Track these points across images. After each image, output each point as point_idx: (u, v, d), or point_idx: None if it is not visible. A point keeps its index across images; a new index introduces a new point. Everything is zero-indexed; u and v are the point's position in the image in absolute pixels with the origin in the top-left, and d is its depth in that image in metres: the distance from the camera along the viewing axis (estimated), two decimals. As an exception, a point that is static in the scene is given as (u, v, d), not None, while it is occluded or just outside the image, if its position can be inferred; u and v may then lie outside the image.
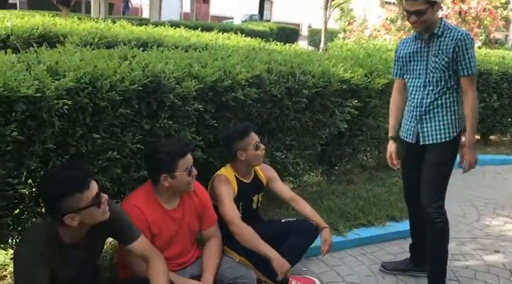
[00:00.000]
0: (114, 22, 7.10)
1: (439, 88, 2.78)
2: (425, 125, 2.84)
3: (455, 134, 2.80)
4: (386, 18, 13.99)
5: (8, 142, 1.98)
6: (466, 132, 2.78)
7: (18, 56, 2.47)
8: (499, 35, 17.13)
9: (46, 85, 2.07)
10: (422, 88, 2.83)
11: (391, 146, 3.05)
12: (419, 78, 2.85)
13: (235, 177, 2.85)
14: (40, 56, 2.51)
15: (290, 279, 2.80)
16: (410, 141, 2.90)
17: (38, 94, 2.02)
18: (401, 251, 3.45)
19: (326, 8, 15.05)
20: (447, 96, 2.79)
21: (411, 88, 2.90)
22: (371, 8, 18.59)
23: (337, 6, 16.22)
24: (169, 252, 2.46)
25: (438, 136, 2.81)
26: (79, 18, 7.81)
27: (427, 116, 2.82)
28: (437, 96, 2.79)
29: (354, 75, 3.98)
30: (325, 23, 15.20)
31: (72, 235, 1.97)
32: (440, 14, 2.92)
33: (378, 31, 13.61)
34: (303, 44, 23.22)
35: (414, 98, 2.87)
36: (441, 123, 2.80)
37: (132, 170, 2.65)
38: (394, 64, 3.02)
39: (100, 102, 2.34)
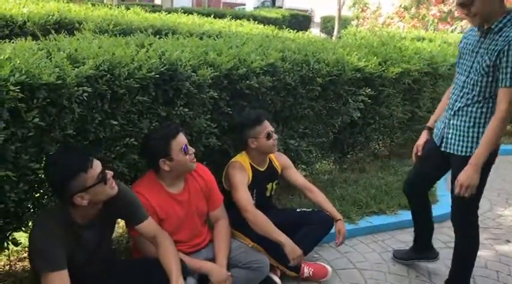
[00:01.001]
0: (128, 8, 7.13)
1: (473, 93, 2.46)
2: (450, 131, 2.59)
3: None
4: (400, 6, 13.83)
5: (30, 128, 2.03)
6: (476, 150, 2.39)
7: (38, 43, 2.51)
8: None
9: (66, 73, 2.11)
10: (460, 88, 2.54)
11: (424, 136, 2.87)
12: (462, 74, 2.55)
13: (250, 164, 2.88)
14: (59, 43, 2.55)
15: (302, 265, 2.85)
16: (436, 141, 2.73)
17: (59, 82, 2.06)
18: (412, 239, 3.47)
19: (339, -5, 14.92)
20: (481, 105, 2.45)
21: (454, 84, 2.64)
22: (385, -5, 18.36)
23: (351, -7, 16.03)
24: (181, 235, 2.52)
25: (460, 148, 2.54)
26: (93, 4, 7.84)
27: (454, 122, 2.57)
28: (469, 102, 2.48)
29: (368, 64, 3.98)
30: (339, 10, 15.04)
31: (84, 215, 2.03)
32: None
33: (392, 19, 13.47)
34: (315, 31, 23.07)
35: (452, 97, 2.62)
36: (465, 134, 2.51)
37: (148, 156, 2.69)
38: (457, 56, 2.70)
39: (118, 90, 2.38)
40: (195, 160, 2.52)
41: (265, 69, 3.17)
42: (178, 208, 2.51)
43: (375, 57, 4.14)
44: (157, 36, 3.57)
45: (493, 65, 2.34)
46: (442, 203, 4.01)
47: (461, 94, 2.53)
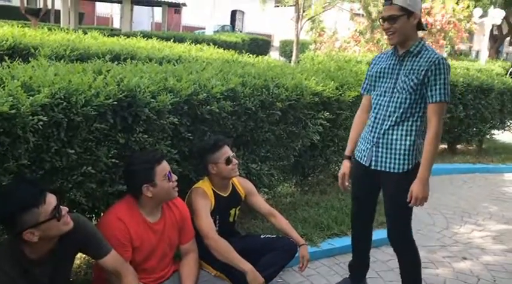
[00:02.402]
0: (85, 33, 7.04)
1: (401, 111, 2.59)
2: (380, 149, 2.67)
3: (410, 167, 2.61)
4: (356, 30, 14.31)
5: (-19, 159, 1.96)
6: (421, 165, 2.54)
7: (-9, 70, 2.45)
8: (463, 47, 17.70)
9: (21, 102, 2.06)
10: (385, 108, 2.65)
11: (346, 166, 2.89)
12: (384, 96, 2.66)
13: (213, 190, 2.87)
14: (13, 71, 2.49)
15: (266, 291, 2.83)
16: (363, 163, 2.76)
17: (13, 111, 2.01)
18: (373, 260, 3.52)
19: (297, 21, 15.25)
20: (409, 123, 2.60)
21: (374, 105, 2.73)
22: (341, 20, 18.95)
23: (309, 19, 16.46)
24: (148, 265, 2.47)
25: (392, 165, 2.64)
26: (49, 29, 7.69)
27: (384, 141, 2.65)
28: (398, 120, 2.60)
29: (325, 88, 4.07)
30: (297, 35, 15.40)
31: (36, 251, 1.95)
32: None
33: (348, 43, 13.89)
34: (274, 55, 23.47)
35: (376, 117, 2.70)
36: (397, 151, 2.62)
37: (107, 185, 2.64)
38: (365, 78, 2.87)
39: (75, 117, 2.33)
40: (177, 188, 2.50)
41: (225, 94, 3.19)
42: (153, 237, 2.47)
43: (332, 82, 4.24)
44: (116, 62, 3.54)
45: (421, 83, 2.52)
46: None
47: (388, 113, 2.64)
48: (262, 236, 3.01)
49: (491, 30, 17.55)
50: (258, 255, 2.76)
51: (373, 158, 2.70)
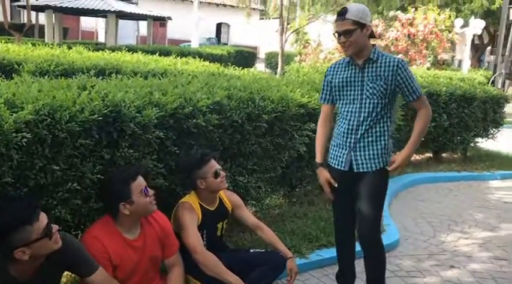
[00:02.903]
0: (70, 47, 7.03)
1: (374, 115, 2.74)
2: (359, 153, 2.79)
3: (383, 165, 2.79)
4: (340, 41, 14.41)
5: (-36, 177, 1.94)
6: (411, 142, 2.78)
7: (-27, 88, 2.43)
8: (445, 56, 17.97)
9: (4, 119, 2.05)
10: (357, 114, 2.77)
11: (324, 172, 2.93)
12: (353, 103, 2.79)
13: (200, 204, 2.85)
14: (-4, 88, 2.47)
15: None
16: (342, 169, 2.84)
17: (-4, 128, 1.99)
18: (362, 270, 3.52)
19: (282, 33, 15.38)
20: (381, 124, 2.77)
21: (345, 113, 2.83)
22: (325, 32, 19.13)
23: (294, 31, 16.62)
24: (132, 282, 2.44)
25: (372, 165, 2.78)
26: (33, 44, 7.68)
27: (361, 144, 2.78)
28: (372, 123, 2.75)
29: (310, 100, 4.10)
30: (282, 48, 15.49)
31: (23, 270, 1.92)
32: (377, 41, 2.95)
33: (332, 54, 14.02)
34: (260, 67, 23.59)
35: (348, 124, 2.80)
36: (375, 152, 2.78)
37: (92, 201, 2.62)
38: (323, 89, 2.96)
39: (59, 134, 2.32)
40: (154, 202, 2.48)
41: (211, 107, 3.20)
42: (133, 254, 2.44)
43: (317, 93, 4.27)
44: (101, 76, 3.53)
45: (390, 87, 2.71)
46: (388, 232, 4.12)
47: (362, 118, 2.77)
48: (251, 251, 2.99)
49: (473, 40, 17.89)
50: (247, 269, 2.75)
51: (354, 162, 2.81)
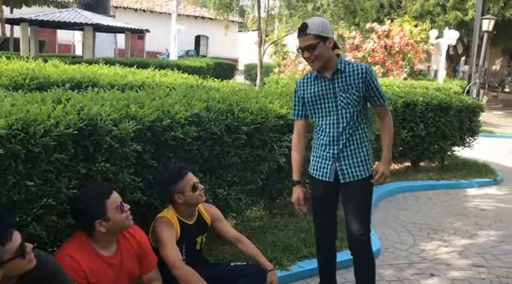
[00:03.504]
0: (46, 61, 6.93)
1: (352, 123, 2.78)
2: (343, 162, 2.81)
3: (370, 172, 2.85)
4: (318, 53, 14.56)
5: None
6: (385, 149, 2.88)
7: None
8: (421, 67, 18.30)
9: (-25, 134, 1.99)
10: (335, 126, 2.79)
11: (299, 190, 2.97)
12: (330, 115, 2.81)
13: (178, 218, 2.81)
14: (-33, 102, 2.41)
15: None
16: (327, 180, 2.85)
17: (-34, 144, 1.93)
18: (343, 281, 3.53)
19: (260, 45, 15.46)
20: (360, 131, 2.82)
21: (323, 126, 2.84)
22: (303, 43, 19.25)
23: (272, 43, 16.73)
24: (109, 300, 2.37)
25: (358, 173, 2.81)
26: (7, 57, 7.54)
27: (344, 153, 2.80)
28: (351, 132, 2.79)
29: (289, 111, 4.09)
30: (260, 60, 15.58)
31: None
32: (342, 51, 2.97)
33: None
34: (240, 79, 23.64)
35: (328, 136, 2.82)
36: (359, 159, 2.81)
37: (68, 216, 2.56)
38: (294, 105, 2.96)
39: (33, 148, 2.27)
40: (131, 217, 2.43)
41: (190, 119, 3.17)
42: (110, 271, 2.38)
43: (297, 104, 4.28)
44: (77, 90, 3.48)
45: (362, 94, 2.76)
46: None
47: (341, 129, 2.80)
48: (231, 264, 2.96)
49: (448, 51, 18.25)
50: (228, 283, 2.71)
51: (339, 172, 2.82)
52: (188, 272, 2.57)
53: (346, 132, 2.79)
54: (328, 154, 2.84)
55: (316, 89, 2.84)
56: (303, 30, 2.68)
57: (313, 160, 2.96)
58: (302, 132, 3.00)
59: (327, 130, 2.83)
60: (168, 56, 29.41)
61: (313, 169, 2.94)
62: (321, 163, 2.88)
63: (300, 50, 2.75)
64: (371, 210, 2.96)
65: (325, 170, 2.86)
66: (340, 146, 2.81)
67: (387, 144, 2.89)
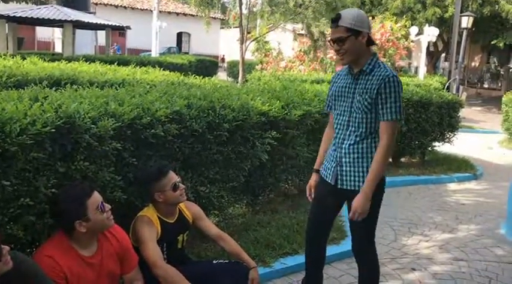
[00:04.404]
0: (24, 58, 6.80)
1: (360, 130, 2.60)
2: (344, 169, 2.67)
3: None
4: (300, 50, 14.63)
5: None
6: (366, 181, 2.56)
7: None
8: (402, 63, 18.47)
9: None
10: (345, 128, 2.67)
11: (313, 179, 2.95)
12: (343, 115, 2.68)
13: (159, 217, 2.78)
14: None
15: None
16: (329, 181, 2.76)
17: None
18: (326, 276, 3.53)
19: (242, 42, 15.42)
20: (369, 141, 2.61)
21: (335, 125, 2.75)
22: (285, 41, 19.33)
23: (254, 40, 16.71)
24: (90, 300, 2.34)
25: (356, 183, 2.64)
26: (-16, 55, 7.38)
27: (347, 159, 2.66)
28: (358, 139, 2.62)
29: (271, 108, 4.10)
30: (242, 57, 15.53)
31: None
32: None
33: (293, 62, 14.17)
34: (223, 76, 23.58)
35: (337, 137, 2.73)
36: (360, 169, 2.63)
37: (47, 216, 2.50)
38: (327, 96, 2.89)
39: (9, 147, 2.21)
40: (111, 217, 2.40)
41: (170, 117, 3.14)
42: (90, 271, 2.34)
43: (278, 101, 4.29)
44: (55, 87, 3.42)
45: (374, 102, 2.54)
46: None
47: (348, 132, 2.65)
48: (214, 262, 2.94)
49: (428, 47, 18.46)
50: (210, 281, 2.70)
51: (339, 177, 2.70)
52: (169, 271, 2.54)
53: (352, 137, 2.63)
54: (334, 156, 2.74)
55: (341, 85, 2.71)
56: (335, 21, 2.53)
57: (325, 156, 2.86)
58: (332, 124, 2.86)
59: (337, 130, 2.73)
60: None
61: (322, 167, 2.87)
62: (328, 163, 2.79)
63: (331, 41, 2.60)
64: (375, 217, 2.75)
65: (329, 171, 2.76)
66: (343, 151, 2.67)
67: (372, 172, 2.55)
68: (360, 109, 2.58)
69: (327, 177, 2.79)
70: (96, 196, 2.34)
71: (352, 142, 2.64)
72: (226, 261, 2.94)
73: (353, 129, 2.64)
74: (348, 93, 2.66)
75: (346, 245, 3.91)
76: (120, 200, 2.84)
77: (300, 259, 3.70)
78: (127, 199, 2.92)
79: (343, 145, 2.67)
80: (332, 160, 2.76)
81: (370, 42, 2.60)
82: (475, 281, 3.67)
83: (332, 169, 2.74)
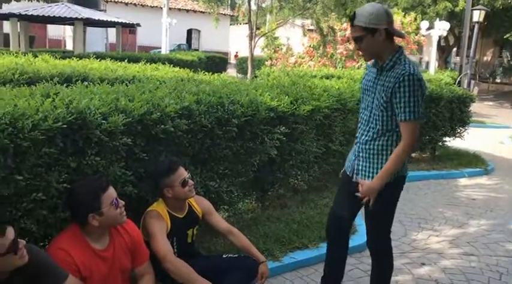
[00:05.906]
0: (36, 56, 6.88)
1: (377, 127, 2.58)
2: (361, 163, 2.68)
3: (390, 179, 2.57)
4: (310, 46, 14.58)
5: None
6: (380, 172, 2.57)
7: None
8: (413, 58, 18.35)
9: (-38, 129, 1.98)
10: (366, 123, 2.66)
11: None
12: (366, 110, 2.67)
13: (168, 211, 2.81)
14: (-46, 97, 2.39)
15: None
16: (348, 173, 2.80)
17: (-47, 138, 1.92)
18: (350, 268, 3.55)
19: (251, 38, 15.41)
20: (386, 138, 2.58)
21: (359, 118, 2.75)
22: (294, 36, 19.29)
23: (263, 35, 16.69)
24: (101, 293, 2.38)
25: (369, 180, 2.62)
26: (-3, 53, 7.48)
27: (363, 154, 2.66)
28: (375, 136, 2.60)
29: (280, 103, 4.11)
30: (251, 53, 15.53)
31: None
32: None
33: (303, 58, 14.13)
34: (232, 72, 23.60)
35: (359, 131, 2.73)
36: (374, 165, 2.62)
37: (59, 210, 2.55)
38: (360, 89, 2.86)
39: (22, 143, 2.25)
40: (124, 213, 2.43)
41: (180, 112, 3.16)
42: (102, 265, 2.38)
43: (287, 97, 4.29)
44: (67, 84, 3.46)
45: (390, 101, 2.50)
46: (360, 233, 4.15)
47: (368, 128, 2.65)
48: (223, 256, 2.96)
49: (439, 42, 18.31)
50: (220, 275, 2.72)
51: (355, 171, 2.72)
52: (179, 265, 2.57)
53: (370, 133, 2.62)
54: (354, 150, 2.76)
55: (368, 78, 2.68)
56: (351, 20, 2.52)
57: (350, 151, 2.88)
58: None
59: (360, 124, 2.73)
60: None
61: (346, 159, 2.89)
62: (350, 155, 2.82)
63: (352, 39, 2.59)
64: (390, 214, 2.76)
65: (349, 163, 2.79)
66: (362, 146, 2.67)
67: (389, 163, 2.53)
68: (378, 106, 2.56)
69: (347, 169, 2.84)
70: (111, 192, 2.38)
71: (369, 138, 2.64)
72: (236, 255, 2.96)
73: (372, 125, 2.62)
74: (373, 88, 2.63)
75: (355, 240, 3.92)
76: (131, 194, 2.87)
77: (310, 253, 3.74)
78: (138, 193, 2.95)
79: (362, 140, 2.69)
80: (353, 154, 2.79)
81: (392, 35, 2.54)
82: (485, 276, 3.66)
83: (351, 161, 2.78)
